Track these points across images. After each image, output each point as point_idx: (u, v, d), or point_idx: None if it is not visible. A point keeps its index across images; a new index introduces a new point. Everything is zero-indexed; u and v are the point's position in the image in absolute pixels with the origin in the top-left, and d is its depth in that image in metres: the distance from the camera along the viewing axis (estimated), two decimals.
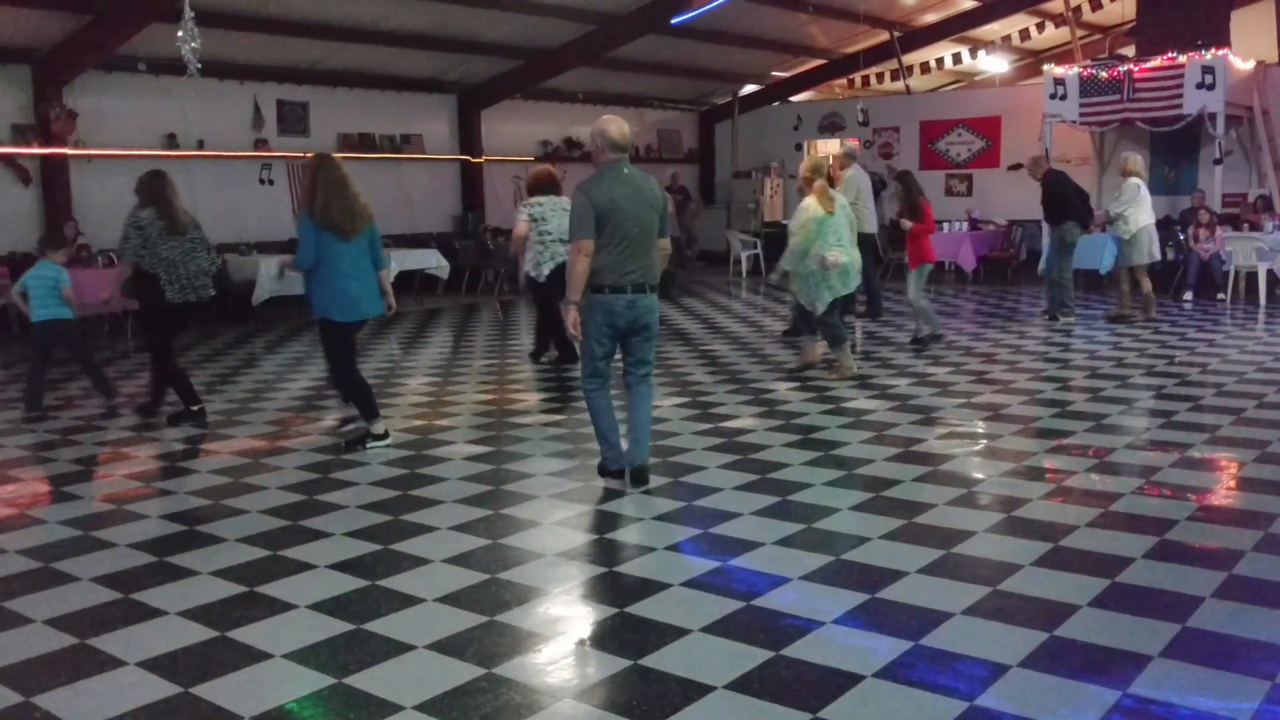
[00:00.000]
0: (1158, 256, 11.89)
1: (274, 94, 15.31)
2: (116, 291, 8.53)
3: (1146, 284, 11.68)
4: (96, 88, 13.38)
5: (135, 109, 13.81)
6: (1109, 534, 4.75)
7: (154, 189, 7.32)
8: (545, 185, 9.45)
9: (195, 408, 7.59)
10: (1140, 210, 11.36)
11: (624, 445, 5.75)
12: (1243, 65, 15.10)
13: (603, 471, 5.81)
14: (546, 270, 9.24)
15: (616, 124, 5.51)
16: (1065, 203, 11.78)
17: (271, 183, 15.27)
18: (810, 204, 8.40)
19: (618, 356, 5.72)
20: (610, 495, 5.52)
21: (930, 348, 10.04)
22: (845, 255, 8.40)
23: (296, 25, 13.86)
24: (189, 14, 8.47)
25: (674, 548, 4.73)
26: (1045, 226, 12.85)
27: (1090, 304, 13.62)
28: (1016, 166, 18.00)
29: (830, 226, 8.37)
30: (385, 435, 6.70)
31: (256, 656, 3.70)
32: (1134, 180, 11.43)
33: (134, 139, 13.66)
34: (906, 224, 10.09)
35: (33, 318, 7.84)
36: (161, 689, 3.47)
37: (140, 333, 8.55)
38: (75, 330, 8.13)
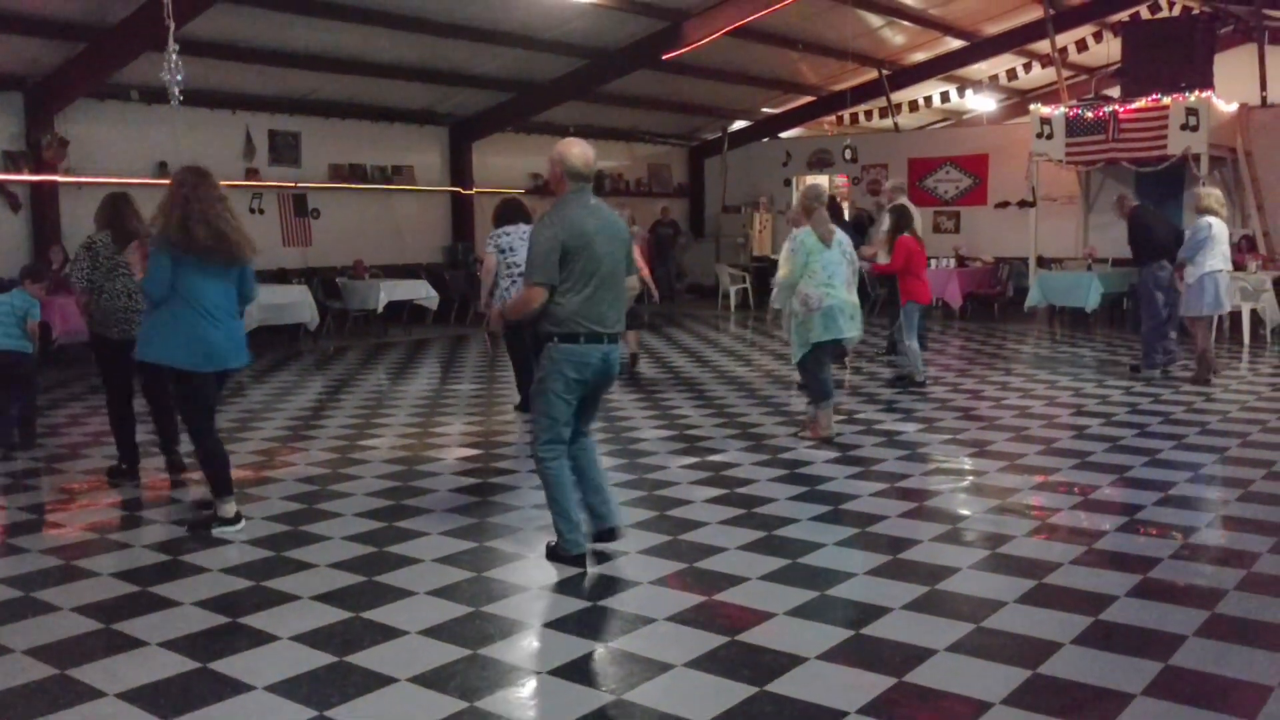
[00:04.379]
0: (1225, 307, 10.36)
1: (266, 124, 15.37)
2: None
3: (1204, 341, 10.09)
4: (88, 115, 13.42)
5: (127, 137, 13.84)
6: (1092, 571, 4.77)
7: None
8: (515, 213, 8.70)
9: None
10: (1209, 253, 9.84)
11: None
12: (1226, 107, 15.30)
13: (558, 556, 4.97)
14: None
15: (580, 147, 4.80)
16: (1150, 240, 10.50)
17: (262, 212, 15.28)
18: (803, 233, 7.52)
19: None
20: None
21: (906, 387, 9.85)
22: (831, 297, 7.40)
23: (289, 56, 13.95)
24: (173, 46, 8.56)
25: (659, 582, 4.72)
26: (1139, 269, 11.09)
27: (1076, 342, 13.72)
28: (1004, 204, 18.20)
29: (820, 261, 7.45)
30: (236, 520, 5.57)
31: (238, 688, 3.68)
32: (1204, 220, 9.97)
33: (125, 167, 13.67)
34: (865, 264, 9.96)
35: None
36: None
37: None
38: (30, 366, 7.67)
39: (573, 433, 4.99)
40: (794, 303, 7.50)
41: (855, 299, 7.67)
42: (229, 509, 5.57)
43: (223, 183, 5.79)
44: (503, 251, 8.47)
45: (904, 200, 11.37)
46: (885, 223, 11.52)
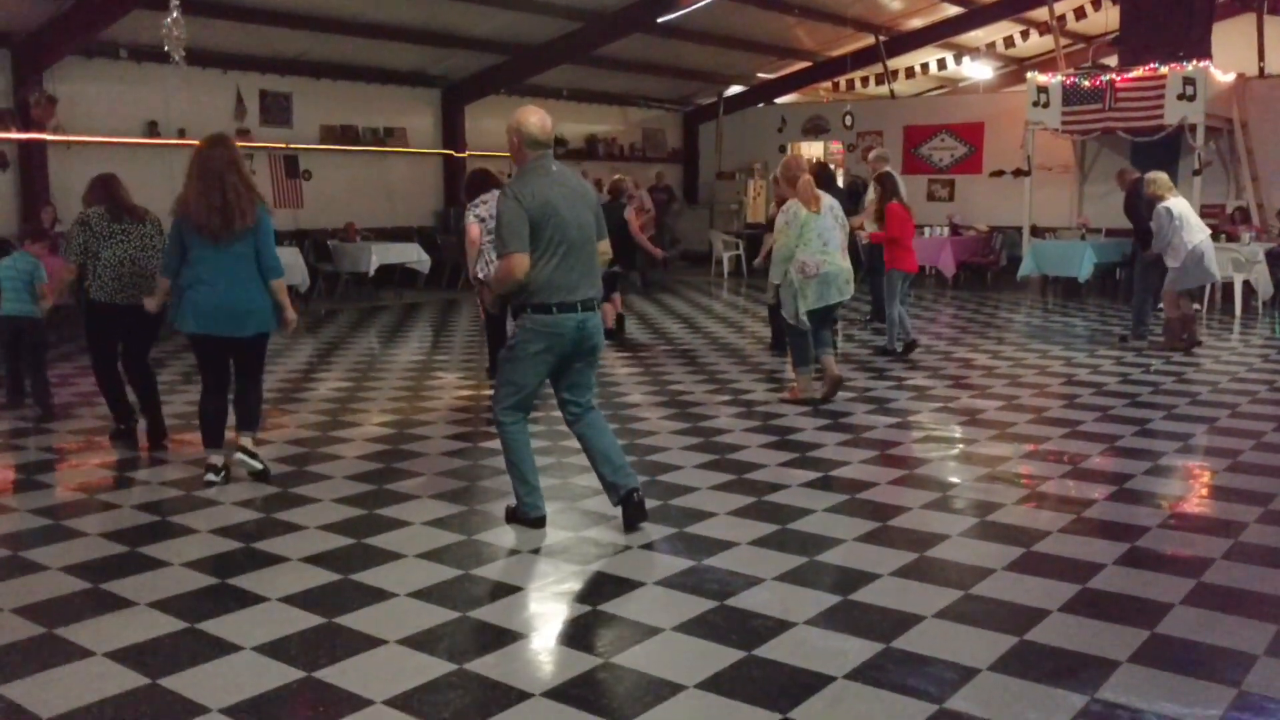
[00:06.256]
0: (1215, 277, 10.46)
1: (257, 84, 15.22)
2: None
3: (1183, 309, 10.30)
4: (77, 73, 13.27)
5: (116, 96, 13.70)
6: (1081, 540, 4.78)
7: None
8: (486, 183, 8.56)
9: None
10: (1182, 234, 9.78)
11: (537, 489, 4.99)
12: (1223, 77, 15.23)
13: (516, 519, 5.01)
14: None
15: (537, 115, 4.74)
16: (1139, 217, 10.75)
17: (253, 173, 15.08)
18: (793, 204, 7.58)
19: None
20: (586, 493, 5.51)
21: (898, 357, 9.71)
22: (828, 264, 7.50)
23: (281, 15, 13.78)
24: (175, 3, 8.44)
25: (648, 546, 4.73)
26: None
27: (1069, 311, 13.73)
28: (999, 173, 18.14)
29: (815, 229, 7.53)
30: (220, 471, 5.75)
31: (226, 649, 3.68)
32: (1160, 208, 9.95)
33: (114, 126, 13.55)
34: (863, 234, 9.96)
35: (1, 311, 7.43)
36: (130, 680, 3.45)
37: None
38: (39, 331, 7.54)
39: (573, 409, 4.94)
40: (790, 270, 7.55)
41: (849, 265, 7.75)
42: (216, 459, 5.81)
43: None
44: (483, 220, 8.37)
45: (888, 169, 11.35)
46: (872, 192, 11.47)
